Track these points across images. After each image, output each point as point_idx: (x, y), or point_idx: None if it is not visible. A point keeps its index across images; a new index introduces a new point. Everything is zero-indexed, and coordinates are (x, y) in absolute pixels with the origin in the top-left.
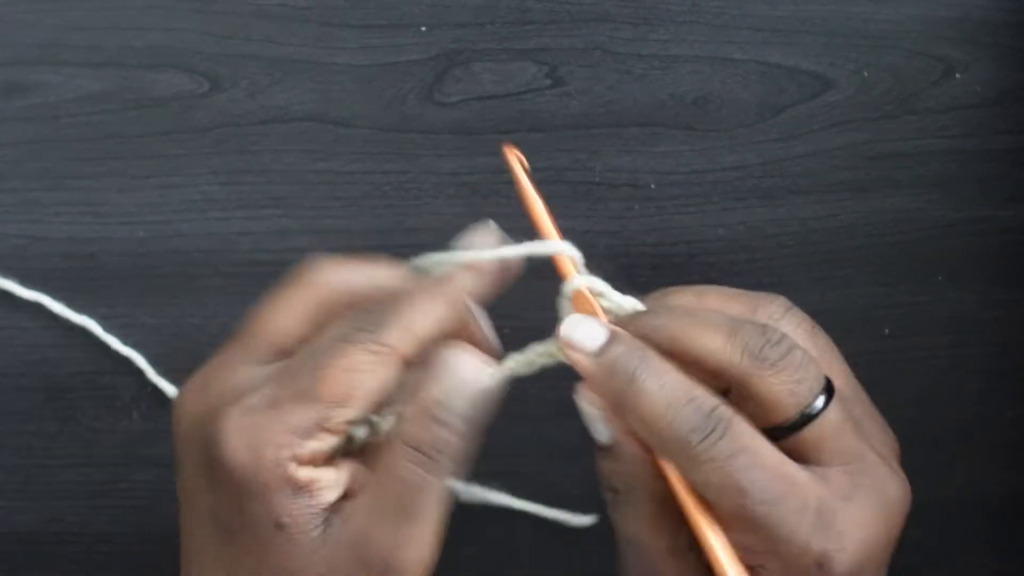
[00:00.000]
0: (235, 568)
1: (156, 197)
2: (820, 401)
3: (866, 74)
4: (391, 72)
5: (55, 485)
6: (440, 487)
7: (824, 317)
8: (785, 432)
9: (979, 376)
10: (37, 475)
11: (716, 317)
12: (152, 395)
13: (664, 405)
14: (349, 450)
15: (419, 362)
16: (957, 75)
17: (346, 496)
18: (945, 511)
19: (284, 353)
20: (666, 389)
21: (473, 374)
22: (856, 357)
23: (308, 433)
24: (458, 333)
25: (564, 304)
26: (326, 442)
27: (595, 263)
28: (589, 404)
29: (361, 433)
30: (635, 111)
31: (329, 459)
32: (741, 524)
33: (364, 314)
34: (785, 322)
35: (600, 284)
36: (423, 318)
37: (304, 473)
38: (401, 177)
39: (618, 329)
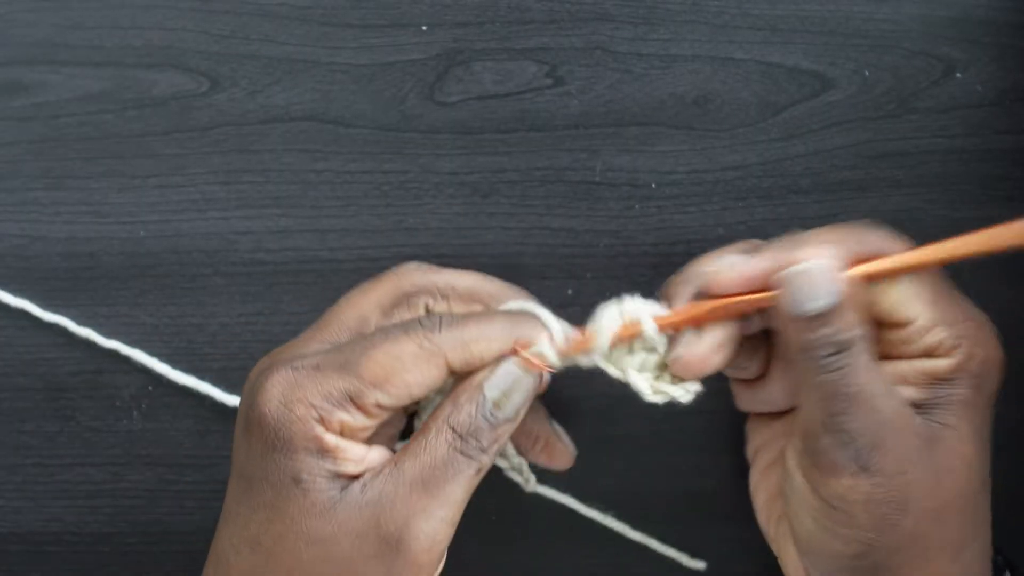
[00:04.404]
0: (249, 519)
1: (156, 197)
2: None
3: (866, 74)
4: (391, 72)
5: (54, 485)
6: (468, 472)
7: None
8: None
9: None
10: (36, 475)
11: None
12: (152, 395)
13: None
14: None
15: (466, 376)
16: (957, 75)
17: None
18: None
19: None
20: None
21: (522, 373)
22: None
23: (340, 403)
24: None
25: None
26: (356, 418)
27: (595, 263)
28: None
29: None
30: (635, 111)
31: (361, 435)
32: None
33: (432, 316)
34: None
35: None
36: (484, 339)
37: (331, 439)
38: (401, 177)
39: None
